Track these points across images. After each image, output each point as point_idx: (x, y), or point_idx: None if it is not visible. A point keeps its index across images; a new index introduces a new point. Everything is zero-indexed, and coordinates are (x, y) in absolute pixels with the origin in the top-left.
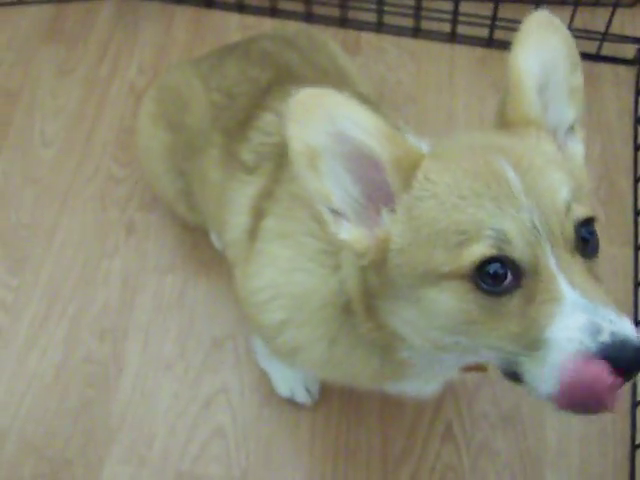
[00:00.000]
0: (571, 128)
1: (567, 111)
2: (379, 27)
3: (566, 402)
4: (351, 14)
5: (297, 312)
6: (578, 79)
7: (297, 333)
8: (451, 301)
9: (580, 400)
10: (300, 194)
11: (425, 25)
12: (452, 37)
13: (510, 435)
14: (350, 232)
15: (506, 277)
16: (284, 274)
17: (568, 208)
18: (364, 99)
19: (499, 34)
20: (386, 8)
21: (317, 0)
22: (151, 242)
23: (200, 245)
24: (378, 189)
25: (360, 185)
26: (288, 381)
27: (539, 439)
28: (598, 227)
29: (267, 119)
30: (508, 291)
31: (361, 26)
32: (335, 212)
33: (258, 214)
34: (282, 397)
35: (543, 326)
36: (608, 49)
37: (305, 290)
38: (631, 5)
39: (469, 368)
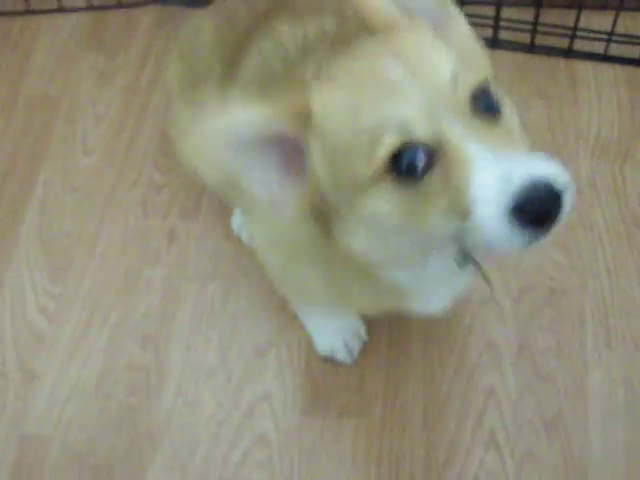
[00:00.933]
0: (447, 16)
1: (434, 5)
2: None
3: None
4: None
5: (294, 255)
6: None
7: (299, 273)
8: (382, 202)
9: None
10: None
11: None
12: (494, 43)
13: (554, 442)
14: (292, 205)
15: (420, 160)
16: (276, 226)
17: (455, 79)
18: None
19: (541, 39)
20: None
21: None
22: (192, 250)
23: (241, 253)
24: (291, 153)
25: (276, 169)
26: (328, 339)
27: (584, 446)
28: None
29: (252, 60)
30: (426, 172)
31: None
32: (274, 204)
33: None
34: (322, 355)
35: (464, 192)
36: None
37: (295, 239)
38: None
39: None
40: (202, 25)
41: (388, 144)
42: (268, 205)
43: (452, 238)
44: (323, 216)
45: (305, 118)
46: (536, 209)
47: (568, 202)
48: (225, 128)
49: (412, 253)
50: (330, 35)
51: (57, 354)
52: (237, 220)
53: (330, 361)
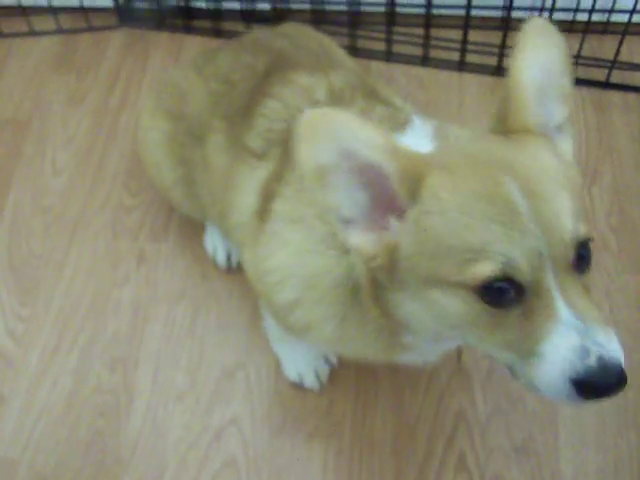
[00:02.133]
0: (560, 127)
1: (558, 111)
2: (388, 56)
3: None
4: (360, 43)
5: (309, 292)
6: (569, 82)
7: (308, 312)
8: (454, 305)
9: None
10: None
11: (434, 54)
12: (461, 65)
13: (524, 467)
14: (359, 237)
15: (509, 293)
16: (295, 256)
17: (574, 234)
18: (358, 81)
19: (507, 62)
20: (395, 37)
21: (327, 29)
22: (161, 271)
23: (210, 274)
24: (385, 197)
25: (367, 194)
26: (297, 365)
27: (554, 470)
28: (609, 255)
29: (270, 105)
30: (509, 305)
31: (371, 55)
32: (344, 220)
33: (268, 196)
34: (290, 381)
35: (538, 340)
36: (617, 76)
37: (316, 271)
38: (639, 33)
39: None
40: (187, 87)
41: (487, 274)
42: (341, 220)
43: (500, 359)
44: (380, 274)
45: (414, 182)
46: (600, 389)
47: (626, 383)
48: (350, 125)
49: (452, 339)
50: (357, 86)
51: (25, 376)
52: (211, 241)
53: (298, 387)
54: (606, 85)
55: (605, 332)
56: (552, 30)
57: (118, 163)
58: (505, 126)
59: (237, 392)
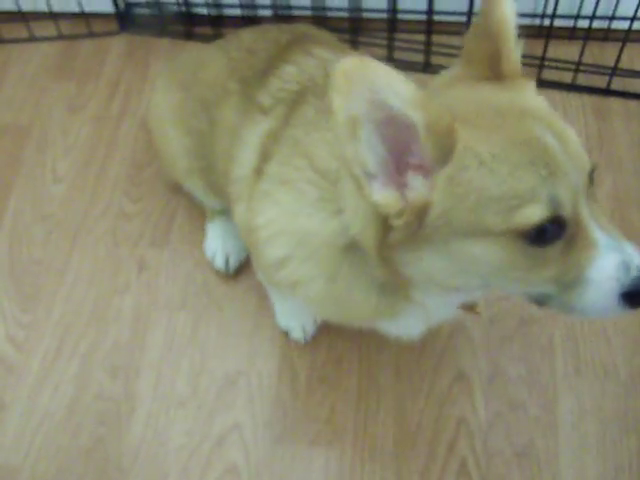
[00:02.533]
0: None
1: None
2: (390, 62)
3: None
4: (362, 50)
5: (298, 249)
6: None
7: (297, 269)
8: (498, 253)
9: None
10: (302, 140)
11: (435, 60)
12: None
13: (525, 472)
14: (382, 193)
15: (555, 231)
16: (286, 216)
17: (589, 165)
18: None
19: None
20: (396, 44)
21: None
22: (162, 278)
23: (211, 281)
24: (408, 153)
25: (390, 148)
26: (288, 316)
27: (555, 475)
28: None
29: (287, 69)
30: (553, 242)
31: None
32: (368, 174)
33: (265, 155)
34: (280, 329)
35: (584, 267)
36: (618, 83)
37: (306, 231)
38: None
39: (464, 308)
40: (207, 59)
41: (539, 215)
42: (366, 174)
43: (539, 294)
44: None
45: (442, 138)
46: None
47: None
48: (384, 75)
49: (474, 289)
50: None
51: (26, 383)
52: (210, 244)
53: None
54: (607, 92)
55: (630, 244)
56: None
57: (119, 170)
58: (498, 71)
59: (238, 399)
